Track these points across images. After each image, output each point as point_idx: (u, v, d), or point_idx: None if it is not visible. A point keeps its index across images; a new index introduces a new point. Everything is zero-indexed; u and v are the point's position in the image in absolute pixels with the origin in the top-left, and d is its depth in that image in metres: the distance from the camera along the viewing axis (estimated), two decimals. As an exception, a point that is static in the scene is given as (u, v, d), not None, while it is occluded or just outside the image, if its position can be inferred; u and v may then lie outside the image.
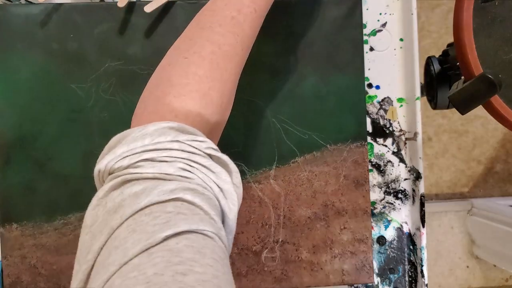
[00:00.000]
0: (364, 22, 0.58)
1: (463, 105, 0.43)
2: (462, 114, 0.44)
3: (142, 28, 0.54)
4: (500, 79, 0.42)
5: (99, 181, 0.34)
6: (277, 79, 0.55)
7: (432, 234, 1.48)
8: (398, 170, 0.60)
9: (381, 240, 0.59)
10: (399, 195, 0.59)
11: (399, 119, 0.60)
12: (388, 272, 0.59)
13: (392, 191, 0.60)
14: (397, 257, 0.59)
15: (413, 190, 0.59)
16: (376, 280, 0.59)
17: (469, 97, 0.43)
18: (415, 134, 0.58)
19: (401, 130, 0.59)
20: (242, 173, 0.55)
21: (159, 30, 0.54)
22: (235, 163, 0.51)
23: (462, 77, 0.47)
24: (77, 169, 0.54)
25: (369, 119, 0.59)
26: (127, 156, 0.30)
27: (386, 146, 0.59)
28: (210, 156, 0.32)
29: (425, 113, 1.44)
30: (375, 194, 0.59)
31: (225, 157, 0.33)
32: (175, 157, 0.30)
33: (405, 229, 0.59)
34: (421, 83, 0.60)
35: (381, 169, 0.60)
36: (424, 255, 0.57)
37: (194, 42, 0.36)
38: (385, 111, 0.59)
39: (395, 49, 0.60)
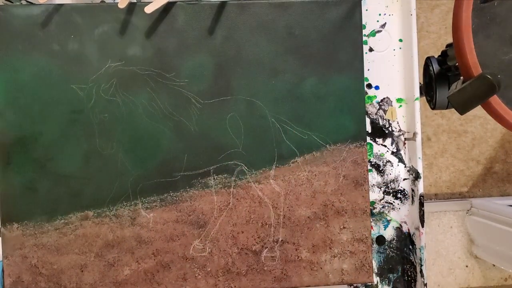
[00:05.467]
0: (363, 22, 0.59)
1: (462, 105, 0.43)
2: (461, 114, 0.44)
3: (143, 28, 0.54)
4: (499, 79, 0.43)
5: None
6: (277, 79, 0.55)
7: (431, 234, 1.48)
8: (397, 170, 0.60)
9: (380, 239, 0.59)
10: (399, 195, 0.60)
11: (398, 119, 0.60)
12: (388, 272, 0.59)
13: (391, 191, 0.60)
14: (396, 256, 0.59)
15: (412, 190, 0.59)
16: (376, 279, 0.59)
17: (468, 98, 0.43)
18: (414, 134, 0.58)
19: (400, 130, 0.60)
20: (242, 173, 0.55)
21: (160, 31, 0.54)
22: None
23: (461, 78, 0.47)
24: (77, 169, 0.54)
25: (368, 119, 0.59)
26: None
27: (385, 146, 0.60)
28: None
29: (424, 113, 1.44)
30: (375, 194, 0.60)
31: None
32: None
33: (404, 228, 0.60)
34: (420, 83, 0.60)
35: (381, 169, 0.60)
36: (423, 254, 0.57)
37: None
38: (385, 111, 0.60)
39: (394, 50, 0.60)
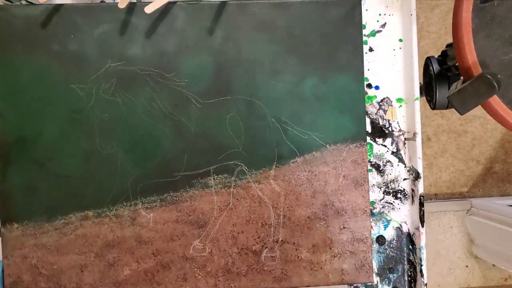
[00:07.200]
0: (363, 22, 0.59)
1: (462, 105, 0.43)
2: (461, 114, 0.44)
3: (143, 29, 0.54)
4: (499, 79, 0.43)
5: None
6: (277, 79, 0.55)
7: (431, 234, 1.48)
8: (397, 170, 0.60)
9: (380, 239, 0.59)
10: (399, 195, 0.60)
11: (398, 119, 0.60)
12: (388, 272, 0.59)
13: (391, 191, 0.60)
14: (396, 256, 0.59)
15: (412, 190, 0.59)
16: (376, 279, 0.59)
17: (468, 98, 0.43)
18: (414, 134, 0.58)
19: (400, 130, 0.60)
20: (242, 173, 0.55)
21: (160, 31, 0.54)
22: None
23: (461, 78, 0.47)
24: (77, 169, 0.54)
25: (368, 119, 0.60)
26: None
27: (385, 146, 0.60)
28: None
29: (424, 113, 1.44)
30: (375, 194, 0.60)
31: None
32: None
33: (404, 228, 0.60)
34: (420, 83, 0.60)
35: (381, 169, 0.60)
36: (423, 254, 0.57)
37: None
38: (385, 111, 0.60)
39: (394, 50, 0.60)
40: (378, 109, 0.60)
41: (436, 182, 1.50)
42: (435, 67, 0.61)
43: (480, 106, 0.44)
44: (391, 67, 0.60)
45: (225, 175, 0.55)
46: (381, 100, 0.60)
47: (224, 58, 0.55)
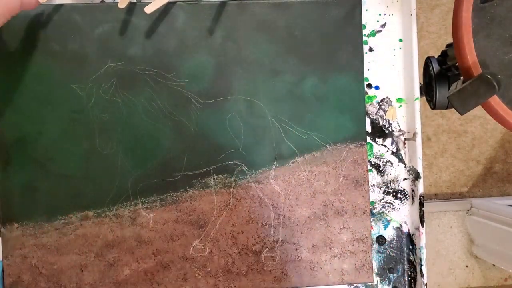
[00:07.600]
0: (363, 22, 0.59)
1: (462, 105, 0.43)
2: (461, 114, 0.44)
3: (143, 28, 0.54)
4: (499, 79, 0.43)
5: None
6: (277, 79, 0.55)
7: (431, 234, 1.48)
8: (397, 170, 0.60)
9: (380, 239, 0.59)
10: (399, 195, 0.60)
11: (398, 119, 0.60)
12: (388, 272, 0.59)
13: (391, 191, 0.60)
14: (396, 256, 0.59)
15: (412, 190, 0.59)
16: (376, 279, 0.59)
17: (468, 98, 0.43)
18: (414, 134, 0.58)
19: (400, 130, 0.60)
20: (242, 173, 0.55)
21: (160, 31, 0.54)
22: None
23: (461, 78, 0.47)
24: (77, 170, 0.54)
25: (368, 119, 0.60)
26: None
27: (385, 146, 0.60)
28: None
29: (424, 113, 1.45)
30: (375, 194, 0.60)
31: None
32: None
33: (404, 228, 0.60)
34: (420, 83, 0.60)
35: (381, 169, 0.60)
36: (424, 254, 0.57)
37: None
38: (385, 111, 0.60)
39: (394, 50, 0.60)
40: (378, 109, 0.60)
41: (436, 182, 1.50)
42: (435, 67, 0.61)
43: (480, 106, 0.44)
44: (391, 67, 0.60)
45: (225, 175, 0.55)
46: (381, 100, 0.60)
47: (224, 58, 0.55)
